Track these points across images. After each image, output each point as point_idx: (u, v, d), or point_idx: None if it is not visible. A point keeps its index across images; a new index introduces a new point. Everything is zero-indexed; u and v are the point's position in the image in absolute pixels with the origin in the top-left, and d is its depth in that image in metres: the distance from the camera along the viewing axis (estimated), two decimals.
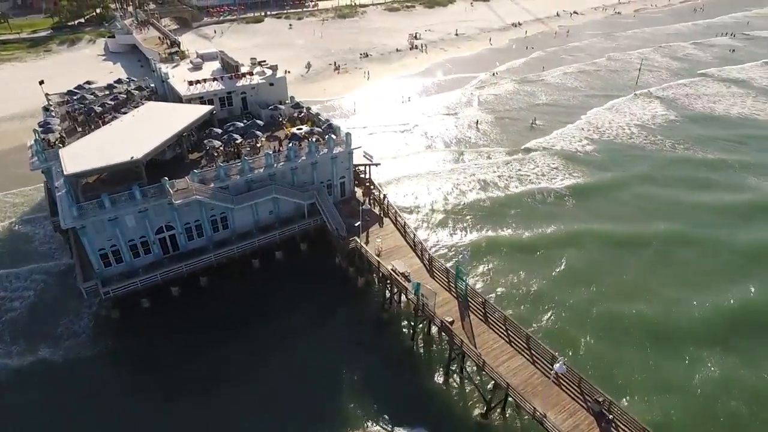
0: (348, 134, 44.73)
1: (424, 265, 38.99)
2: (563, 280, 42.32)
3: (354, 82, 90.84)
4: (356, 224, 41.52)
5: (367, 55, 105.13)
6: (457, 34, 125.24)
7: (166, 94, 54.61)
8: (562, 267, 43.73)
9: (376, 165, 48.11)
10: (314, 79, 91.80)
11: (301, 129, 46.62)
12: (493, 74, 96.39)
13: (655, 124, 74.91)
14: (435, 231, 48.56)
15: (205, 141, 43.58)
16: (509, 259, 44.77)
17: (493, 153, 65.13)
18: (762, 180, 59.12)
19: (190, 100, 49.02)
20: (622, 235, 48.29)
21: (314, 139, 44.05)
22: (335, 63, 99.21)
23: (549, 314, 38.70)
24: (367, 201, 46.86)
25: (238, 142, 43.24)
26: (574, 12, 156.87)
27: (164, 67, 57.17)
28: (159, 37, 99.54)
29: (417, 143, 68.07)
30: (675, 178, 59.98)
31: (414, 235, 41.65)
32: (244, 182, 40.48)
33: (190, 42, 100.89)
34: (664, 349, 35.53)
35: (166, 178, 37.02)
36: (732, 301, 39.74)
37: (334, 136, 44.76)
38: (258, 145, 44.23)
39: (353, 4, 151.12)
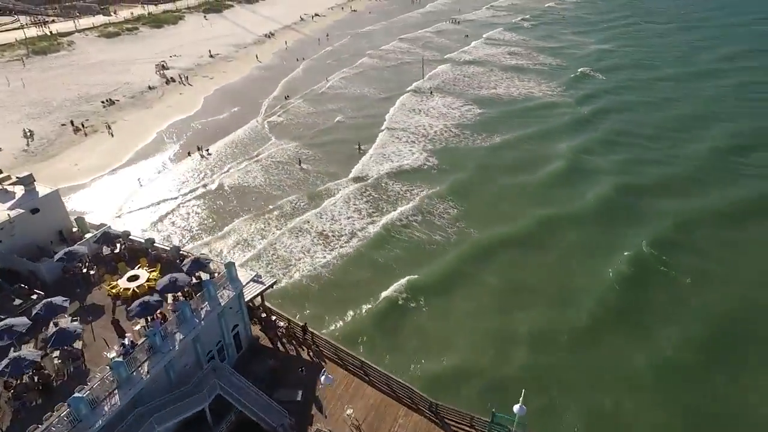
0: (230, 264, 27.51)
1: (433, 420, 26.65)
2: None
3: (117, 142, 65.75)
4: (296, 398, 26.22)
5: (112, 102, 78.43)
6: (212, 56, 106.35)
7: None
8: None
9: (271, 286, 31.92)
10: (48, 152, 62.61)
11: (140, 282, 26.91)
12: (286, 97, 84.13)
13: (466, 118, 76.32)
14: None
15: None
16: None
17: (335, 192, 54.61)
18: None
19: None
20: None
21: (179, 297, 25.59)
22: (71, 121, 70.36)
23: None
24: (278, 345, 30.74)
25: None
26: (316, 14, 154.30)
27: None
28: None
29: (236, 211, 51.79)
30: (507, 165, 61.20)
31: (390, 375, 28.49)
32: None
33: None
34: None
35: None
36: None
37: (207, 276, 27.06)
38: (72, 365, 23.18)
39: (52, 33, 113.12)
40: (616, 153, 64.65)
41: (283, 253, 43.92)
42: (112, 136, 67.83)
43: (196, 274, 27.22)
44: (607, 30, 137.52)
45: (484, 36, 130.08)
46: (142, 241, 30.94)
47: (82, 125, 69.15)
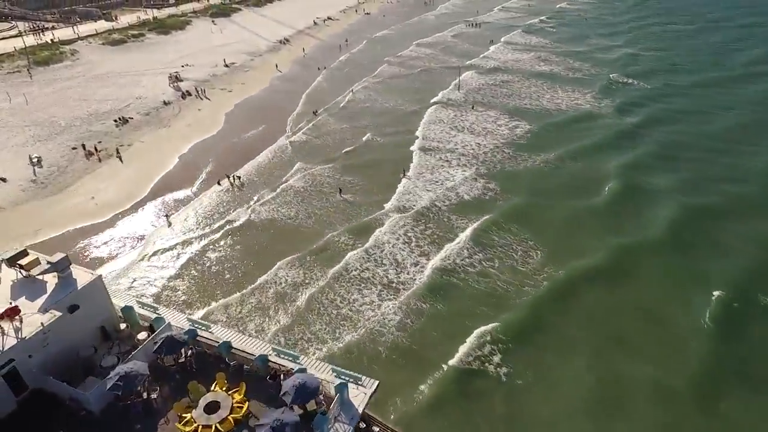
0: (342, 385, 21.77)
1: None
2: None
3: (137, 170, 59.93)
4: None
5: (126, 120, 72.51)
6: (227, 65, 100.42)
7: None
8: None
9: (375, 391, 25.56)
10: (59, 182, 56.80)
11: (222, 414, 20.53)
12: (314, 112, 78.44)
13: (505, 132, 70.97)
14: None
15: None
16: None
17: (381, 224, 48.46)
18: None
19: None
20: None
21: None
22: (83, 145, 64.55)
23: None
24: None
25: None
26: (328, 18, 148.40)
27: None
28: None
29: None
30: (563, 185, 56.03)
31: None
32: None
33: None
34: None
35: None
36: None
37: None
38: None
39: (53, 41, 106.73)
40: (676, 169, 59.44)
41: (331, 309, 38.40)
42: (123, 162, 62.05)
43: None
44: (631, 32, 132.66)
45: (503, 39, 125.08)
46: (216, 344, 24.24)
47: (95, 149, 63.17)
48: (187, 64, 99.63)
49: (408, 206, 52.12)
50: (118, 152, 62.78)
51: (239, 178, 57.52)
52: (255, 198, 54.43)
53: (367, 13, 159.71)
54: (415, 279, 41.27)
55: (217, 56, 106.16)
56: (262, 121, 74.58)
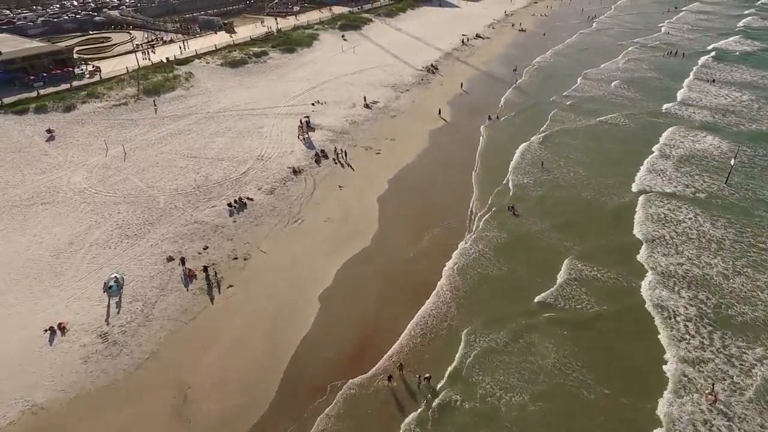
0: None
1: None
2: None
3: (255, 322, 37.13)
4: None
5: (244, 204, 50.55)
6: (368, 105, 76.73)
7: None
8: None
9: None
10: (132, 345, 35.47)
11: None
12: (510, 209, 51.45)
13: None
14: None
15: None
16: None
17: None
18: None
19: None
20: None
21: None
22: (182, 259, 43.20)
23: None
24: None
25: None
26: (477, 36, 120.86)
27: None
28: None
29: None
30: None
31: None
32: None
33: None
34: None
35: None
36: None
37: None
38: None
39: (168, 60, 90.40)
40: None
41: None
42: (234, 293, 39.56)
43: None
44: None
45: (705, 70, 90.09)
46: None
47: (205, 270, 41.32)
48: (318, 101, 77.62)
49: None
50: (229, 285, 40.47)
51: (428, 378, 32.06)
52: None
53: (522, 30, 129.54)
54: None
55: (354, 89, 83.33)
56: (429, 216, 49.19)
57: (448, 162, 60.89)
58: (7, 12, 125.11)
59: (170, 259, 42.42)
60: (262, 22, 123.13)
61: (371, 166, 59.03)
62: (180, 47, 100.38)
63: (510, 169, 58.89)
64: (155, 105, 74.84)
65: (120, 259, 42.22)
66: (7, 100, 72.73)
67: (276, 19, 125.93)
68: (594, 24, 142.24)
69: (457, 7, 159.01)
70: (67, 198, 50.92)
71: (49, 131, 64.47)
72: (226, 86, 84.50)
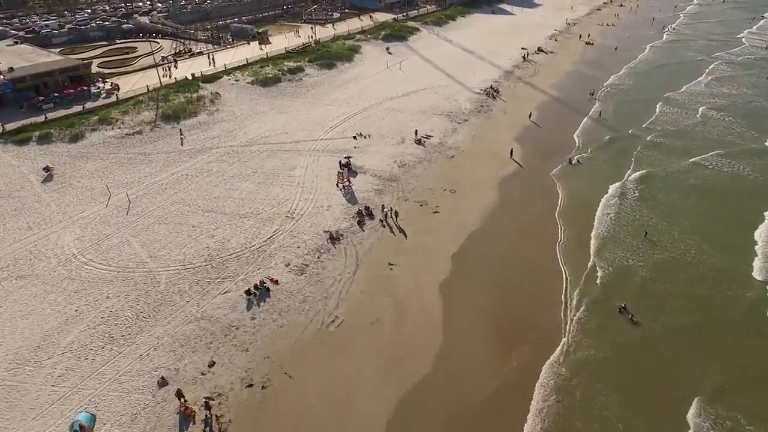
0: None
1: None
2: None
3: None
4: None
5: (261, 293, 39.27)
6: (421, 141, 64.04)
7: None
8: None
9: None
10: None
11: None
12: (621, 309, 38.24)
13: None
14: None
15: None
16: None
17: None
18: None
19: None
20: None
21: None
22: (180, 394, 31.99)
23: None
24: None
25: None
26: (539, 50, 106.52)
27: None
28: None
29: None
30: None
31: None
32: None
33: None
34: None
35: None
36: None
37: None
38: None
39: (194, 77, 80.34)
40: None
41: None
42: None
43: None
44: None
45: None
46: None
47: (208, 409, 29.74)
48: (360, 134, 65.69)
49: None
50: None
51: None
52: None
53: (590, 43, 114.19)
54: None
55: (402, 117, 71.08)
56: (510, 320, 36.42)
57: (525, 228, 47.68)
58: (36, 18, 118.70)
59: (163, 383, 31.16)
60: (297, 31, 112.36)
61: (429, 233, 46.51)
62: (209, 59, 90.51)
63: (602, 241, 45.32)
64: (182, 135, 64.64)
65: (97, 380, 31.25)
66: (10, 126, 63.97)
67: (313, 27, 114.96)
68: (665, 35, 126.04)
69: (511, 14, 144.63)
70: (49, 270, 40.60)
71: (46, 169, 54.89)
72: (255, 111, 73.69)
